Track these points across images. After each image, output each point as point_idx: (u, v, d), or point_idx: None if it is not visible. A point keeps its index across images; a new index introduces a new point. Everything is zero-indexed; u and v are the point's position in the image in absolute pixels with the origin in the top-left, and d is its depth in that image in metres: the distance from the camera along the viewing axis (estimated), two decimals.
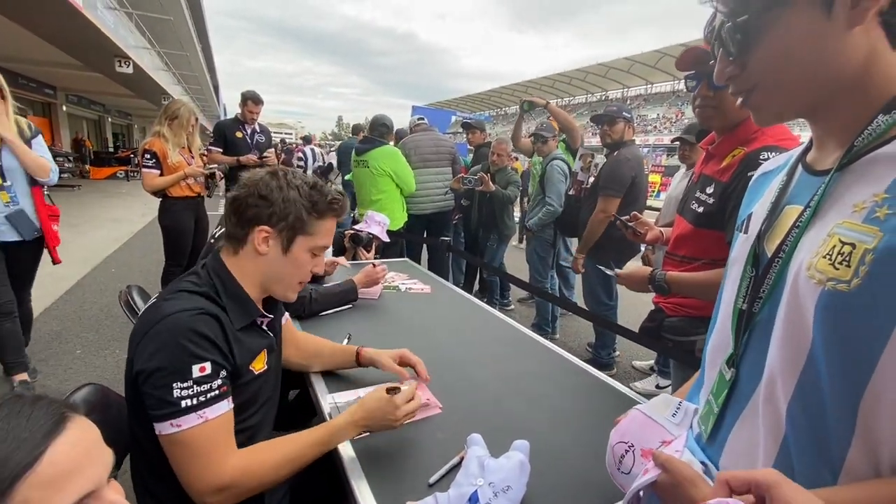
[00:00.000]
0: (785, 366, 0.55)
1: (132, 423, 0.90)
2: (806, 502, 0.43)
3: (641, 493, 0.65)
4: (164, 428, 0.81)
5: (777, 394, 0.56)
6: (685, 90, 1.41)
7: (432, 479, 0.90)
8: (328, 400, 1.19)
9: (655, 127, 41.86)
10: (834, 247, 0.50)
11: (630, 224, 1.65)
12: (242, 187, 0.98)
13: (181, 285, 0.93)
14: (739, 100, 0.63)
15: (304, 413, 1.66)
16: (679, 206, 1.52)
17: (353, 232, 2.70)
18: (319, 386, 1.27)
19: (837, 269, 0.49)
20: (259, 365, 0.99)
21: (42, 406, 0.41)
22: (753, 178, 0.79)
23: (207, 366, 0.83)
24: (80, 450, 0.42)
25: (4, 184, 2.21)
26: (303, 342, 1.33)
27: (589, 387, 1.38)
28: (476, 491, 0.77)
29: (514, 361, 1.50)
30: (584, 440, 1.08)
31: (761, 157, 1.20)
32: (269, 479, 0.88)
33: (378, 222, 2.70)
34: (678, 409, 0.74)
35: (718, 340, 0.71)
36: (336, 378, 1.32)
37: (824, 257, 0.51)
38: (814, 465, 0.52)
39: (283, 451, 0.91)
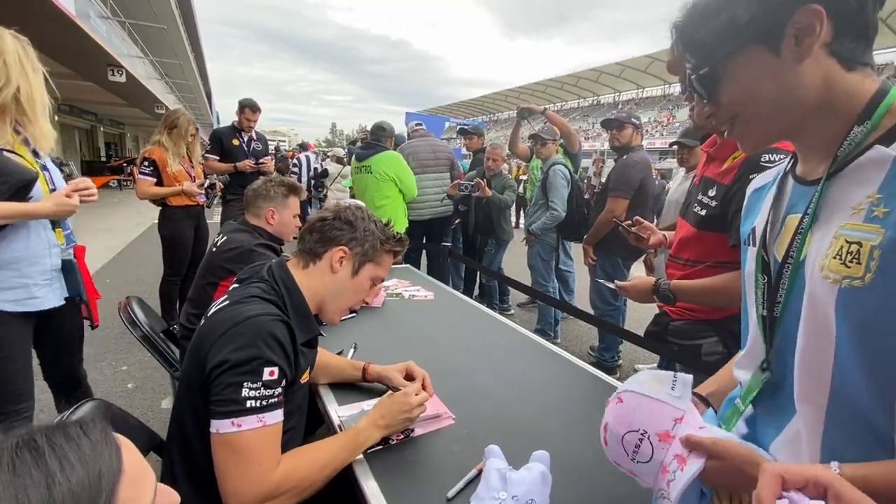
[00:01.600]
0: (815, 363, 0.58)
1: (181, 433, 0.93)
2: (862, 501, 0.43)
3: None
4: (223, 426, 0.81)
5: (811, 391, 0.59)
6: (677, 94, 1.41)
7: (451, 494, 0.87)
8: (334, 413, 1.16)
9: (647, 131, 42.22)
10: (842, 247, 0.55)
11: (633, 229, 1.64)
12: (329, 211, 1.10)
13: (252, 290, 0.97)
14: (725, 131, 0.69)
15: (310, 424, 1.63)
16: (681, 209, 1.52)
17: None
18: (328, 397, 1.25)
19: (849, 266, 0.53)
20: (305, 376, 1.04)
21: (90, 427, 0.43)
22: (747, 195, 0.84)
23: (276, 371, 0.86)
24: (135, 452, 0.46)
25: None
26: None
27: (597, 392, 1.36)
28: None
29: (521, 367, 1.49)
30: (600, 448, 1.05)
31: (762, 159, 1.20)
32: (307, 484, 0.89)
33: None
34: (674, 381, 0.70)
35: (752, 346, 0.73)
36: (342, 389, 1.30)
37: (835, 258, 0.55)
38: (866, 452, 0.53)
39: (316, 456, 0.92)
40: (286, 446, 0.95)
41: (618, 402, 0.71)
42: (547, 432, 1.12)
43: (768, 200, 0.73)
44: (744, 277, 0.76)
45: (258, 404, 0.83)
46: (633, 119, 2.92)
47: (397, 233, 1.15)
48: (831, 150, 0.60)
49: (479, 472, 0.90)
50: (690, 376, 0.70)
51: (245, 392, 0.82)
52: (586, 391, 1.36)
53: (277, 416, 0.86)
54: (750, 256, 0.73)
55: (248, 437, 0.82)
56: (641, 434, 0.67)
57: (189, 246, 3.26)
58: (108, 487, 0.39)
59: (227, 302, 0.97)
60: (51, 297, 1.47)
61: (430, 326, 1.82)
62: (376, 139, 3.58)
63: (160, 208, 3.16)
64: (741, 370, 0.75)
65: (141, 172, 3.02)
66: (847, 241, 0.54)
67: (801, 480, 0.45)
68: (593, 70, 46.59)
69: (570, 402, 1.28)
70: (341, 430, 1.07)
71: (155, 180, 3.03)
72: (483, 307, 2.13)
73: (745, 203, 0.84)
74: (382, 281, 1.14)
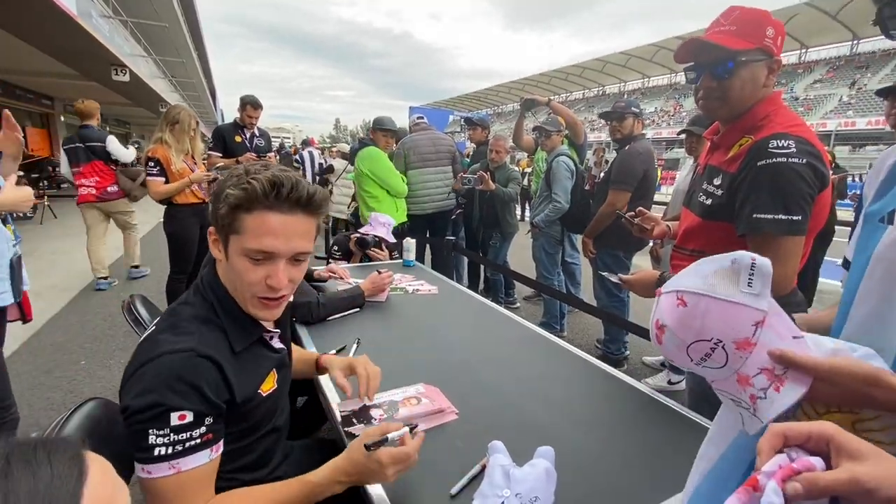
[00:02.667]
0: None
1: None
2: (869, 448, 0.42)
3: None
4: (138, 471, 0.76)
5: None
6: (683, 83, 1.37)
7: (454, 490, 0.86)
8: (336, 408, 1.15)
9: (654, 121, 41.74)
10: None
11: (635, 220, 1.61)
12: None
13: (179, 314, 0.86)
14: None
15: (312, 421, 1.63)
16: (685, 198, 1.48)
17: (358, 236, 2.67)
18: (330, 393, 1.24)
19: None
20: (268, 386, 0.94)
21: (58, 449, 0.39)
22: (887, 163, 0.73)
23: (188, 414, 0.76)
24: (109, 481, 0.43)
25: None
26: None
27: (605, 386, 1.34)
28: (503, 502, 0.74)
29: (527, 361, 1.47)
30: (608, 444, 1.05)
31: (770, 145, 1.16)
32: None
33: (382, 223, 2.67)
34: (752, 272, 0.56)
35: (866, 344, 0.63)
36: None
37: None
38: None
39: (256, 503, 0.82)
40: (261, 460, 0.92)
41: (679, 304, 0.59)
42: (552, 427, 1.10)
43: None
44: (864, 260, 0.66)
45: (168, 451, 0.75)
46: (632, 108, 2.84)
47: (260, 175, 0.82)
48: None
49: (483, 468, 0.89)
50: (769, 263, 0.56)
51: (151, 440, 0.74)
52: (592, 385, 1.34)
53: (200, 458, 0.77)
54: (891, 238, 0.63)
55: (161, 484, 0.75)
56: (714, 343, 0.56)
57: (195, 243, 3.27)
58: None
59: (154, 329, 0.86)
60: (7, 295, 1.44)
61: (434, 321, 1.81)
62: (368, 134, 3.59)
63: (165, 207, 3.17)
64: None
65: (149, 174, 3.02)
66: None
67: (804, 436, 0.44)
68: (598, 60, 46.06)
69: (576, 396, 1.26)
70: (342, 425, 1.05)
71: (164, 179, 3.04)
72: (487, 301, 2.12)
73: (882, 172, 0.72)
74: (272, 253, 0.83)
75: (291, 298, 0.98)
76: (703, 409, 1.21)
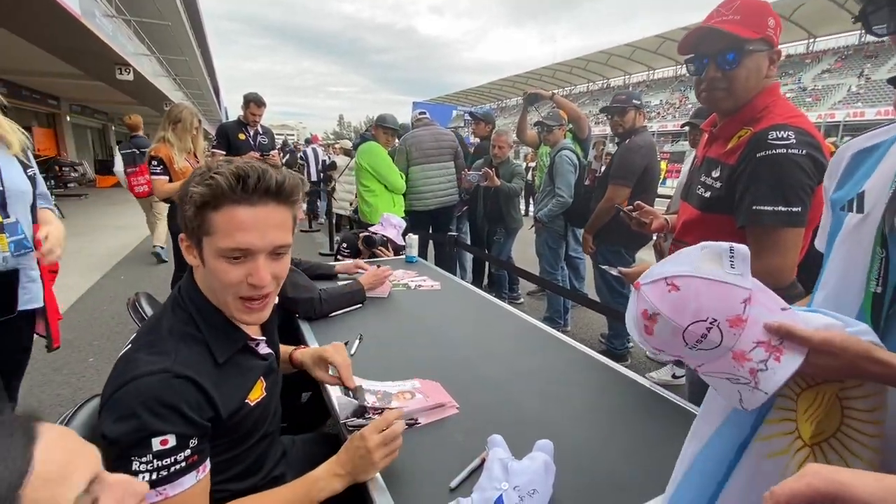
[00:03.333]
0: None
1: None
2: (877, 489, 0.40)
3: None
4: None
5: None
6: (688, 74, 1.35)
7: (454, 483, 0.87)
8: (336, 401, 1.15)
9: (659, 113, 41.37)
10: None
11: (634, 214, 1.60)
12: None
13: (156, 330, 0.83)
14: None
15: (317, 416, 1.65)
16: (683, 191, 1.47)
17: (366, 234, 2.69)
18: (332, 388, 1.25)
19: None
20: (256, 394, 0.90)
21: (5, 424, 0.40)
22: (847, 156, 0.75)
23: (170, 438, 0.73)
24: (67, 443, 0.43)
25: (5, 221, 1.33)
26: None
27: (607, 380, 1.34)
28: (501, 495, 0.74)
29: (529, 356, 1.47)
30: (609, 437, 1.05)
31: (769, 136, 1.15)
32: None
33: (394, 225, 2.70)
34: (732, 257, 0.60)
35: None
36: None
37: None
38: None
39: None
40: (254, 466, 0.91)
41: (671, 290, 0.60)
42: (553, 421, 1.11)
43: (891, 161, 0.66)
44: (836, 243, 0.69)
45: (153, 477, 0.71)
46: (633, 100, 2.80)
47: (232, 168, 0.78)
48: None
49: (483, 461, 0.90)
50: (746, 248, 0.60)
51: (134, 467, 0.71)
52: (594, 380, 1.35)
53: (185, 482, 0.74)
54: (852, 224, 0.67)
55: None
56: (710, 323, 0.58)
57: None
58: (6, 492, 0.37)
59: (131, 346, 0.82)
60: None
61: (436, 316, 1.82)
62: (370, 129, 3.61)
63: (169, 205, 3.19)
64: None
65: (152, 173, 3.05)
66: None
67: (808, 497, 0.42)
68: (603, 52, 45.65)
69: (577, 390, 1.26)
70: (339, 418, 1.06)
71: (167, 178, 3.06)
72: (490, 296, 2.12)
73: (843, 165, 0.75)
74: (249, 250, 0.80)
75: (277, 300, 0.95)
76: (702, 400, 1.21)
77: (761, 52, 1.18)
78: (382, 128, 3.55)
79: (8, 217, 1.32)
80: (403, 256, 2.68)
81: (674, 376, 2.87)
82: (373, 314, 1.81)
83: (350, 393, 1.05)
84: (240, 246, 0.78)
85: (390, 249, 2.75)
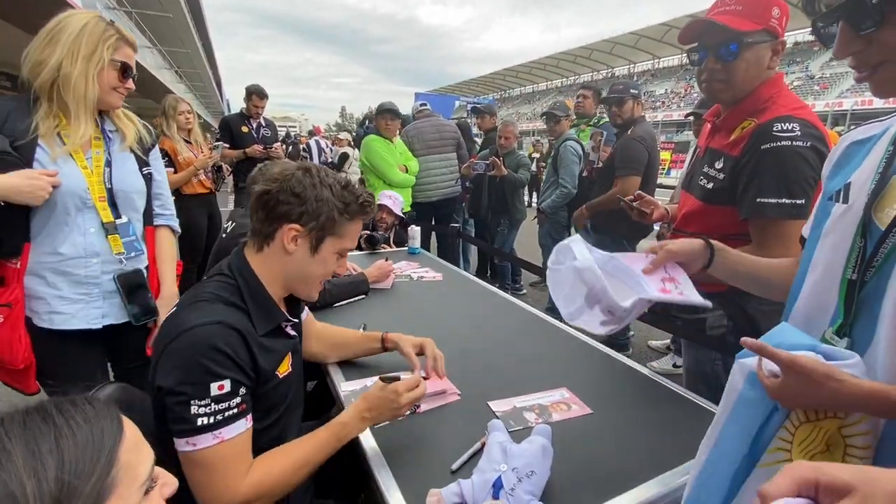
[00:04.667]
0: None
1: (158, 431, 0.89)
2: (853, 476, 0.42)
3: None
4: (181, 445, 0.80)
5: (880, 357, 0.59)
6: (690, 65, 1.35)
7: (455, 466, 0.90)
8: (342, 390, 1.19)
9: (664, 103, 40.96)
10: None
11: (635, 204, 1.61)
12: (273, 182, 0.93)
13: (203, 290, 0.91)
14: (859, 74, 0.63)
15: (323, 404, 1.68)
16: (684, 182, 1.48)
17: (368, 233, 2.73)
18: (338, 377, 1.28)
19: None
20: (284, 368, 0.99)
21: (94, 399, 0.46)
22: (843, 145, 0.77)
23: (226, 384, 0.81)
24: (136, 428, 0.49)
25: (117, 220, 1.29)
26: (324, 333, 1.34)
27: (607, 368, 1.37)
28: (500, 476, 0.77)
29: (530, 345, 1.50)
30: (606, 422, 1.08)
31: (774, 128, 1.15)
32: (284, 486, 0.87)
33: (388, 196, 2.73)
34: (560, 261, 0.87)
35: (809, 309, 0.71)
36: (349, 366, 1.33)
37: None
38: None
39: (294, 456, 0.90)
40: (277, 440, 0.96)
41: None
42: None
43: (875, 156, 0.68)
44: (823, 232, 0.72)
45: (210, 421, 0.79)
46: (631, 90, 2.78)
47: (361, 194, 0.99)
48: None
49: (483, 445, 0.92)
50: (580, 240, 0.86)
51: (194, 410, 0.78)
52: (594, 367, 1.37)
53: (238, 427, 0.83)
54: (838, 213, 0.70)
55: (208, 454, 0.79)
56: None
57: (203, 234, 3.33)
58: (110, 445, 0.43)
59: (175, 309, 0.91)
60: (85, 315, 1.25)
61: (438, 307, 1.84)
62: (375, 120, 3.61)
63: (172, 198, 3.22)
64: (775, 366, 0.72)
65: None
66: None
67: (794, 488, 0.43)
68: (607, 41, 45.07)
69: (578, 378, 1.28)
70: (344, 407, 1.09)
71: (173, 170, 3.08)
72: (492, 287, 2.14)
73: (837, 154, 0.78)
74: (351, 250, 1.04)
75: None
76: (700, 390, 1.23)
77: (762, 44, 1.18)
78: (380, 114, 3.54)
79: (120, 217, 1.29)
80: (406, 248, 2.71)
81: (675, 365, 2.90)
82: (376, 304, 1.84)
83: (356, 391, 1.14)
84: (353, 247, 1.03)
85: (392, 245, 2.79)
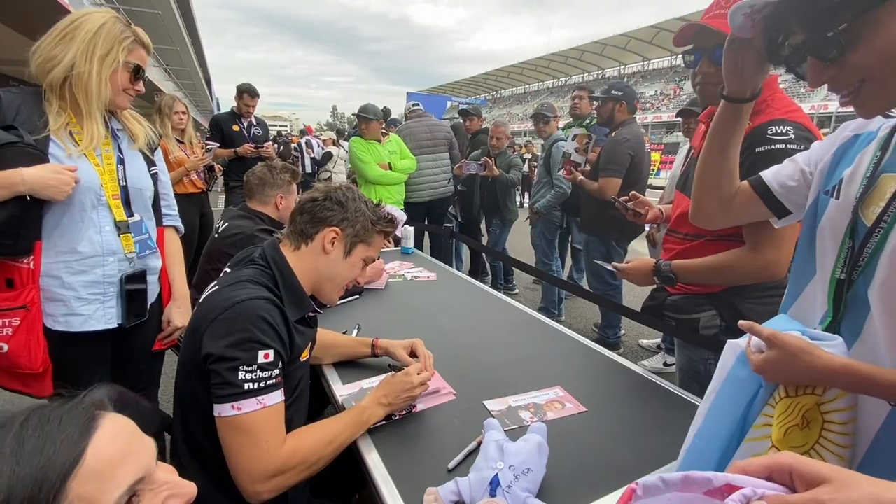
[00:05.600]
0: (890, 325, 0.60)
1: (183, 415, 0.96)
2: (830, 471, 0.42)
3: None
4: (224, 410, 0.84)
5: (881, 355, 0.61)
6: (683, 66, 1.37)
7: (451, 465, 0.90)
8: (337, 392, 1.19)
9: (653, 104, 41.36)
10: None
11: (629, 205, 1.63)
12: (320, 191, 1.08)
13: (242, 274, 0.98)
14: (842, 98, 0.65)
15: (316, 404, 1.67)
16: (679, 182, 1.49)
17: None
18: (332, 377, 1.28)
19: None
20: (305, 354, 1.07)
21: (70, 409, 0.42)
22: (842, 136, 0.78)
23: (271, 353, 0.88)
24: (122, 440, 0.44)
25: (130, 219, 1.27)
26: (318, 335, 1.34)
27: (599, 367, 1.38)
28: (497, 474, 0.78)
29: (524, 344, 1.51)
30: (600, 420, 1.09)
31: (769, 131, 1.17)
32: (315, 459, 0.92)
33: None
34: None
35: (802, 309, 0.74)
36: (344, 368, 1.33)
37: None
38: None
39: (322, 433, 0.95)
40: (290, 423, 0.97)
41: None
42: None
43: (866, 158, 0.70)
44: (814, 230, 0.74)
45: (256, 386, 0.85)
46: (613, 91, 2.83)
47: (388, 213, 1.15)
48: None
49: (479, 444, 0.93)
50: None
51: (242, 375, 0.84)
52: (587, 366, 1.38)
53: (277, 396, 0.89)
54: (833, 209, 0.71)
55: (250, 418, 0.84)
56: None
57: (195, 233, 3.30)
58: (51, 482, 0.38)
59: (217, 287, 0.98)
60: (101, 315, 1.23)
61: (432, 307, 1.84)
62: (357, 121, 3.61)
63: None
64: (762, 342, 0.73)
65: None
66: None
67: (764, 470, 0.45)
68: (597, 43, 45.41)
69: (571, 377, 1.30)
70: (343, 407, 1.11)
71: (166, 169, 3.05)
72: (486, 287, 2.15)
73: (835, 147, 0.79)
74: (374, 261, 1.15)
75: None
76: (693, 388, 1.25)
77: None
78: (359, 118, 3.55)
79: (133, 216, 1.28)
80: (400, 248, 2.70)
81: (665, 364, 2.93)
82: (370, 304, 1.84)
83: (353, 392, 1.19)
84: (375, 257, 1.17)
85: (390, 241, 2.77)
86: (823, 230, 0.72)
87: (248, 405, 0.84)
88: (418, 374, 1.07)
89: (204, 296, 0.99)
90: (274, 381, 0.89)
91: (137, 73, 1.25)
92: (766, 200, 0.93)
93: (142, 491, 0.44)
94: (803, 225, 0.80)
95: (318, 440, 0.93)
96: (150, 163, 1.38)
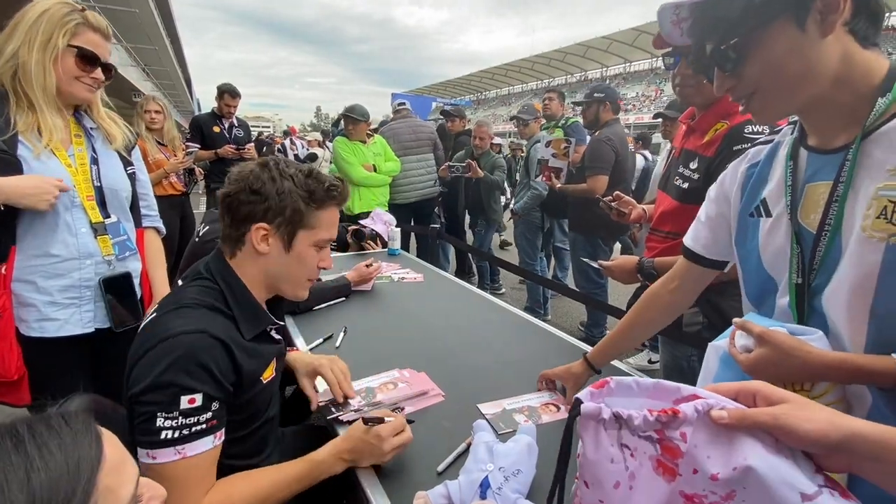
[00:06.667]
0: (852, 321, 0.63)
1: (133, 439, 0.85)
2: (793, 396, 0.48)
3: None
4: (141, 456, 0.76)
5: (849, 350, 0.64)
6: (664, 68, 1.40)
7: (441, 468, 0.89)
8: (321, 397, 1.16)
9: (635, 106, 42.03)
10: (885, 207, 0.59)
11: (613, 204, 1.65)
12: (232, 183, 0.90)
13: (185, 296, 0.87)
14: (741, 105, 0.72)
15: (302, 409, 1.65)
16: (661, 182, 1.52)
17: (356, 227, 2.69)
18: (319, 381, 1.26)
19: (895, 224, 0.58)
20: (269, 373, 0.96)
21: (72, 418, 0.43)
22: (741, 171, 0.84)
23: (198, 398, 0.77)
24: (118, 444, 0.46)
25: (107, 220, 1.24)
26: None
27: None
28: (487, 476, 0.77)
29: (512, 344, 1.51)
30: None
31: (746, 130, 1.21)
32: None
33: (384, 222, 2.70)
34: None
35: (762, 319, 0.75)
36: None
37: (878, 218, 0.60)
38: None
39: (260, 486, 0.84)
40: (258, 449, 0.94)
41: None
42: None
43: (778, 171, 0.76)
44: (755, 249, 0.78)
45: (176, 435, 0.75)
46: (595, 94, 2.89)
47: (326, 178, 0.95)
48: (850, 122, 0.65)
49: (469, 446, 0.92)
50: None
51: (159, 422, 0.74)
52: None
53: (203, 444, 0.78)
54: (768, 227, 0.76)
55: (167, 469, 0.75)
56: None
57: (175, 236, 3.22)
58: (87, 474, 0.40)
59: (155, 315, 0.86)
60: (78, 320, 1.19)
61: (420, 308, 1.84)
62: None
63: None
64: (748, 340, 0.74)
65: None
66: (890, 201, 0.59)
67: (732, 392, 0.50)
68: (580, 45, 45.95)
69: None
70: (321, 415, 1.07)
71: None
72: (472, 287, 2.15)
73: (738, 180, 0.84)
74: (331, 241, 0.99)
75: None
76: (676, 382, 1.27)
77: None
78: (345, 119, 3.51)
79: (109, 217, 1.23)
80: (386, 249, 2.69)
81: (650, 361, 2.97)
82: (357, 307, 1.82)
83: (336, 408, 1.08)
84: (332, 237, 0.98)
85: (378, 243, 2.76)
86: (766, 247, 0.76)
87: (165, 455, 0.74)
88: (396, 434, 0.89)
89: (143, 323, 0.88)
90: (202, 426, 0.77)
91: (87, 58, 1.15)
92: (701, 263, 0.94)
93: (141, 496, 0.47)
94: (738, 249, 0.84)
95: (251, 494, 0.82)
96: (127, 163, 1.33)
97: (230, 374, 0.83)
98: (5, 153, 1.05)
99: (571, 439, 0.52)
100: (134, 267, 1.31)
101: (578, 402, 0.51)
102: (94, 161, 1.22)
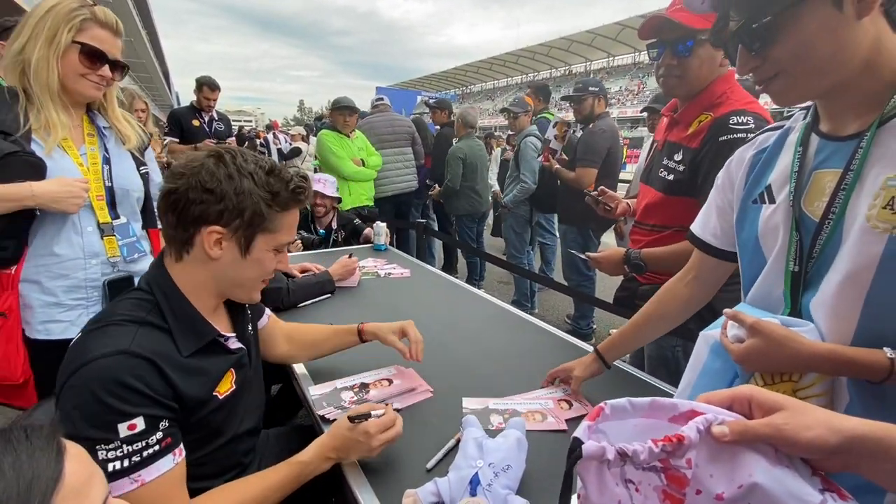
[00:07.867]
0: (843, 311, 0.63)
1: None
2: (787, 400, 0.47)
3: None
4: None
5: (837, 338, 0.64)
6: (647, 61, 1.41)
7: (430, 464, 0.89)
8: (310, 394, 1.14)
9: (619, 100, 42.38)
10: (893, 197, 0.58)
11: (599, 199, 1.65)
12: (179, 177, 0.78)
13: (114, 311, 0.78)
14: (760, 85, 0.70)
15: (288, 408, 1.63)
16: (643, 175, 1.53)
17: (353, 226, 2.71)
18: (305, 381, 1.24)
19: None
20: (225, 387, 0.87)
21: (35, 432, 0.41)
22: (748, 157, 0.83)
23: (139, 422, 0.69)
24: (85, 460, 0.44)
25: (115, 221, 1.22)
26: (295, 334, 1.25)
27: (571, 357, 1.38)
28: (476, 473, 0.77)
29: (499, 338, 1.51)
30: (575, 410, 1.10)
31: (731, 121, 1.21)
32: None
33: (318, 180, 2.68)
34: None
35: (761, 300, 0.75)
36: (318, 367, 1.28)
37: (884, 208, 0.59)
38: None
39: (243, 497, 0.79)
40: (227, 465, 0.90)
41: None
42: None
43: (786, 157, 0.74)
44: (754, 235, 0.77)
45: (125, 465, 0.68)
46: (590, 87, 2.92)
47: (291, 175, 0.86)
48: (868, 108, 0.63)
49: (458, 441, 0.92)
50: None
51: (102, 456, 0.66)
52: (562, 358, 1.39)
53: (161, 466, 0.71)
54: (768, 214, 0.75)
55: (129, 498, 0.67)
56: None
57: None
58: (39, 498, 0.37)
59: (80, 334, 0.78)
60: (85, 321, 1.14)
61: (407, 303, 1.82)
62: (329, 115, 3.53)
63: None
64: (739, 330, 0.74)
65: None
66: None
67: (727, 400, 0.49)
68: (564, 39, 46.08)
69: (546, 368, 1.30)
70: (315, 413, 1.06)
71: None
72: (460, 282, 2.14)
73: (744, 166, 0.83)
74: (291, 243, 0.94)
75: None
76: (661, 374, 1.29)
77: None
78: (338, 110, 3.44)
79: (118, 217, 1.21)
80: (372, 245, 2.66)
81: (567, 316, 3.03)
82: (343, 303, 1.80)
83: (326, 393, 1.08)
84: (292, 239, 0.90)
85: (360, 240, 2.75)
86: (765, 234, 0.76)
87: (120, 487, 0.68)
88: (384, 430, 0.86)
89: (73, 340, 0.78)
90: (155, 448, 0.71)
91: (93, 55, 1.11)
92: (712, 253, 0.94)
93: None
94: (738, 236, 0.84)
95: None
96: (140, 163, 1.31)
97: (167, 392, 0.75)
98: (31, 156, 1.04)
99: (572, 485, 0.47)
100: (145, 269, 1.28)
101: (578, 442, 0.46)
102: (107, 161, 1.21)
